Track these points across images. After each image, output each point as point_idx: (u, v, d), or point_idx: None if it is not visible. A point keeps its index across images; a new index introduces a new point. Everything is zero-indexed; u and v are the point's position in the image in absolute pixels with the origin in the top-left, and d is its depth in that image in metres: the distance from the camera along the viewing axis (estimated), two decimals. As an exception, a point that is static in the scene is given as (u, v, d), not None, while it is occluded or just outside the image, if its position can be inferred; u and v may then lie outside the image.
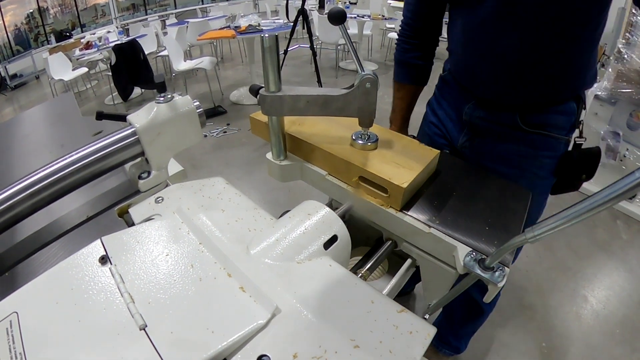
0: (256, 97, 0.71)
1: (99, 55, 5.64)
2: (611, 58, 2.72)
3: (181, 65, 4.73)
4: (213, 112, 4.45)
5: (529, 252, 2.32)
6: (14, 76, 9.20)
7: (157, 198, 0.63)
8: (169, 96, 0.67)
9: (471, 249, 0.58)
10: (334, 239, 0.54)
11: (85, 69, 5.88)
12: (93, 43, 5.85)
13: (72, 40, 8.91)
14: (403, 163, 0.68)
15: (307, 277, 0.46)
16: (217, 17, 7.40)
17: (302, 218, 0.55)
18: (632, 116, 2.63)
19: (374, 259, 0.69)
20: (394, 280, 0.70)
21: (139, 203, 0.63)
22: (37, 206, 0.56)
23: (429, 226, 0.61)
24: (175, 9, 12.92)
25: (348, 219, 0.70)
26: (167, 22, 8.89)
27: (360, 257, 0.72)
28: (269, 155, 0.81)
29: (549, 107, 0.92)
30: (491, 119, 1.00)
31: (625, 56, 2.52)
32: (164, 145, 0.67)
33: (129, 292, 0.40)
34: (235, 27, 4.47)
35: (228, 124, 4.14)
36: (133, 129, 0.63)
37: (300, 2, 2.99)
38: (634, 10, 2.61)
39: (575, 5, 0.75)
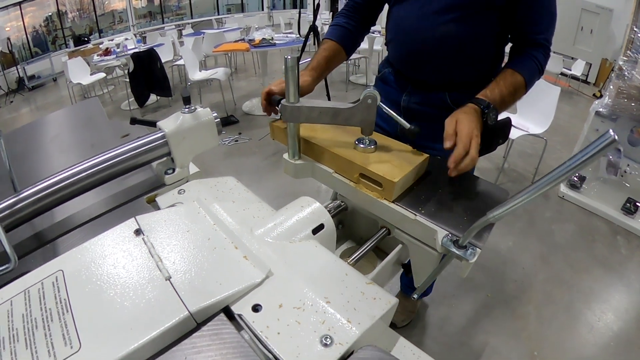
0: (277, 107, 0.87)
1: (117, 62, 5.84)
2: (612, 75, 2.81)
3: (196, 75, 4.93)
4: (225, 122, 4.62)
5: (525, 264, 2.38)
6: (32, 77, 9.46)
7: (180, 190, 0.77)
8: (193, 108, 0.82)
9: (448, 232, 0.70)
10: (321, 227, 0.67)
11: (103, 75, 6.11)
12: (112, 50, 6.06)
13: (90, 45, 9.17)
14: (396, 163, 0.81)
15: (296, 254, 0.59)
16: (233, 29, 7.62)
17: (296, 209, 0.69)
18: (633, 132, 2.70)
19: (370, 244, 0.82)
20: (383, 263, 0.83)
21: (165, 194, 0.77)
22: (81, 191, 0.70)
23: (415, 214, 0.74)
24: (192, 18, 13.16)
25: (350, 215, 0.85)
26: (184, 32, 9.11)
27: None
28: (286, 156, 0.95)
29: (470, 88, 1.09)
30: (425, 101, 1.21)
31: (626, 73, 2.61)
32: (187, 148, 0.82)
33: (158, 254, 0.53)
34: (250, 40, 4.67)
35: (240, 133, 4.31)
36: (162, 134, 0.78)
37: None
38: (634, 28, 2.69)
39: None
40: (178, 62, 5.95)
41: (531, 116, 3.29)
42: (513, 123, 2.92)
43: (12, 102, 8.64)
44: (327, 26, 1.34)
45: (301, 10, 3.35)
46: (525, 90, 1.06)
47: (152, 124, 0.80)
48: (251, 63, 7.73)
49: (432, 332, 1.92)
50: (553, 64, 6.16)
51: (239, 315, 0.47)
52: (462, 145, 0.81)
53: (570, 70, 6.39)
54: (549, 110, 3.13)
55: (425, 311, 2.01)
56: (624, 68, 2.62)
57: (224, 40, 5.93)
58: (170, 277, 0.49)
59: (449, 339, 1.89)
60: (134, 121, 0.88)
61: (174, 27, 10.91)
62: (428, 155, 0.87)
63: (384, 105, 0.85)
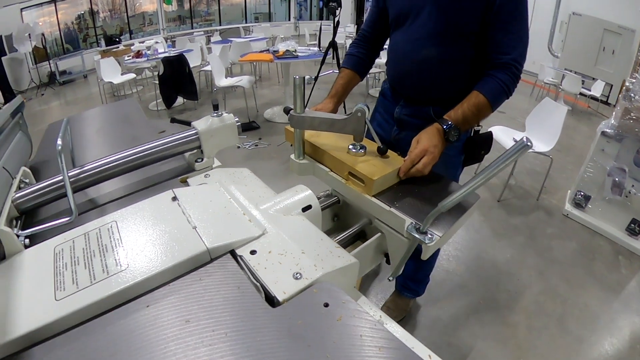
0: (287, 114, 1.12)
1: (148, 64, 6.20)
2: (620, 96, 2.90)
3: (222, 81, 5.25)
4: (247, 127, 4.92)
5: (521, 276, 2.50)
6: (63, 72, 9.96)
7: (206, 174, 1.02)
8: (220, 113, 1.07)
9: (413, 221, 0.90)
10: (309, 207, 0.89)
11: (133, 75, 6.47)
12: (143, 52, 6.42)
13: (121, 46, 9.57)
14: (379, 166, 1.03)
15: (287, 222, 0.81)
16: (259, 39, 7.95)
17: (292, 193, 0.91)
18: (639, 153, 2.78)
19: (353, 229, 1.03)
20: (362, 245, 1.03)
21: (194, 176, 1.02)
22: (130, 169, 0.95)
23: (390, 207, 0.94)
24: (220, 25, 13.52)
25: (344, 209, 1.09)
26: (212, 39, 9.48)
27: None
28: (292, 156, 1.19)
29: (450, 103, 1.30)
30: (414, 114, 1.47)
31: (632, 94, 2.70)
32: (214, 143, 1.07)
33: (188, 213, 0.76)
34: (274, 51, 4.96)
35: (260, 139, 4.59)
36: (196, 131, 1.03)
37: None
38: None
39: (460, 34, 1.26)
40: (205, 68, 6.28)
41: (538, 134, 3.42)
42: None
43: (43, 94, 9.13)
44: (351, 39, 1.63)
45: (325, 22, 3.61)
46: (491, 108, 1.25)
47: (188, 124, 1.05)
48: (275, 72, 8.08)
49: (422, 331, 2.08)
50: (571, 84, 6.26)
51: (240, 256, 0.68)
52: (409, 160, 1.06)
53: (590, 90, 6.48)
54: (555, 130, 3.27)
55: (417, 311, 2.18)
56: (631, 89, 2.72)
57: (250, 49, 6.26)
58: (196, 227, 0.71)
59: (437, 338, 2.04)
60: (173, 120, 1.13)
61: (202, 33, 11.30)
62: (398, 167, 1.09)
63: (369, 123, 1.07)
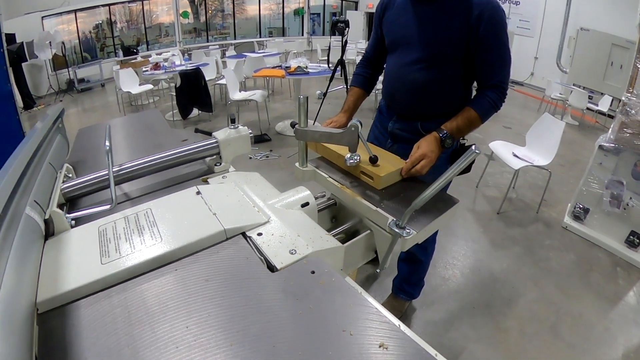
0: (293, 128, 1.32)
1: (165, 76, 6.49)
2: (617, 110, 3.00)
3: (236, 95, 5.51)
4: (259, 139, 5.16)
5: (516, 284, 2.60)
6: (82, 80, 10.33)
7: (223, 176, 1.22)
8: (236, 126, 1.27)
9: (394, 219, 1.08)
10: (307, 204, 1.08)
11: (150, 86, 6.77)
12: (161, 65, 6.72)
13: (139, 58, 9.88)
14: (385, 166, 1.27)
15: (288, 214, 1.00)
16: (272, 54, 8.22)
17: (294, 193, 1.10)
18: (637, 166, 2.86)
19: (345, 226, 1.22)
20: (352, 240, 1.21)
21: (214, 177, 1.22)
22: (160, 169, 1.15)
23: (376, 207, 1.13)
24: (235, 38, 13.79)
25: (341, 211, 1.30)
26: (227, 53, 9.75)
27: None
28: (297, 164, 1.40)
29: (438, 119, 1.54)
30: (404, 128, 1.69)
31: (628, 108, 2.81)
32: (231, 150, 1.27)
33: (209, 203, 0.95)
34: (286, 67, 5.22)
35: (271, 150, 4.82)
36: (216, 140, 1.24)
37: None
38: (638, 64, 2.93)
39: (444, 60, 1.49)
40: (220, 81, 6.55)
41: (537, 149, 3.56)
42: (519, 155, 3.24)
43: (61, 100, 9.50)
44: (362, 55, 1.91)
45: (336, 39, 3.82)
46: (481, 121, 1.50)
47: (209, 134, 1.26)
48: (287, 87, 8.37)
49: (415, 330, 2.13)
50: (578, 100, 6.36)
51: (249, 237, 0.87)
52: (410, 162, 1.33)
53: (597, 105, 6.58)
54: (553, 144, 3.39)
55: (412, 313, 2.32)
56: (627, 103, 2.83)
57: (263, 64, 6.52)
58: (215, 214, 0.90)
59: (429, 338, 2.09)
60: (197, 130, 1.35)
61: (217, 46, 11.59)
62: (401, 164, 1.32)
63: (362, 136, 1.27)
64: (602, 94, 6.97)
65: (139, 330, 0.63)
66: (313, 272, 0.75)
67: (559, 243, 3.15)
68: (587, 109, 6.60)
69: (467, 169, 1.69)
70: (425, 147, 1.38)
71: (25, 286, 0.67)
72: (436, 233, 2.03)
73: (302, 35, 14.73)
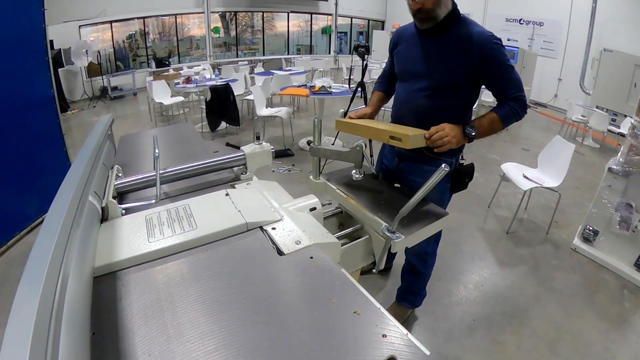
0: (309, 145, 1.58)
1: (196, 89, 6.86)
2: (627, 133, 3.03)
3: (263, 111, 5.85)
4: (282, 153, 5.40)
5: (518, 300, 2.66)
6: (115, 88, 10.85)
7: (247, 183, 1.46)
8: (261, 142, 1.52)
9: (387, 225, 1.31)
10: (314, 208, 1.32)
11: (181, 98, 7.16)
12: (193, 79, 7.11)
13: (171, 70, 10.31)
14: (410, 130, 1.52)
15: (299, 216, 1.23)
16: (299, 73, 8.53)
17: (305, 199, 1.34)
18: None
19: (349, 230, 1.46)
20: (352, 243, 1.43)
21: (240, 183, 1.46)
22: (197, 174, 1.41)
23: (374, 215, 1.37)
24: (263, 54, 14.07)
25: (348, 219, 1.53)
26: (256, 70, 10.11)
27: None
28: (311, 176, 1.67)
29: None
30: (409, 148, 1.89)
31: (637, 132, 2.86)
32: (255, 162, 1.52)
33: (235, 203, 1.20)
34: (311, 86, 5.51)
35: (293, 165, 5.07)
36: (243, 153, 1.49)
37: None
38: None
39: (446, 89, 1.70)
40: (248, 97, 6.87)
41: (548, 171, 3.64)
42: (529, 176, 3.35)
43: (94, 106, 10.03)
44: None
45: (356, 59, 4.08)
46: (502, 124, 1.69)
47: (238, 148, 1.52)
48: (312, 105, 8.65)
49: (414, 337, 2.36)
50: (599, 122, 6.31)
51: (265, 230, 1.11)
52: (434, 128, 1.55)
53: (619, 128, 6.47)
54: (563, 166, 3.46)
55: (414, 321, 2.47)
56: (637, 126, 2.88)
57: (290, 82, 6.85)
58: (240, 210, 1.15)
59: (427, 345, 2.17)
60: (228, 144, 1.61)
61: (246, 62, 11.93)
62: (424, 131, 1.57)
63: (366, 154, 1.50)
64: (625, 115, 6.84)
65: (175, 289, 0.87)
66: (311, 258, 0.98)
67: (566, 264, 3.17)
68: (609, 131, 6.46)
69: (463, 186, 1.93)
70: (449, 128, 1.57)
71: (89, 255, 0.92)
72: (436, 247, 2.23)
73: (329, 53, 14.98)
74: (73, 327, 0.60)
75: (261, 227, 1.12)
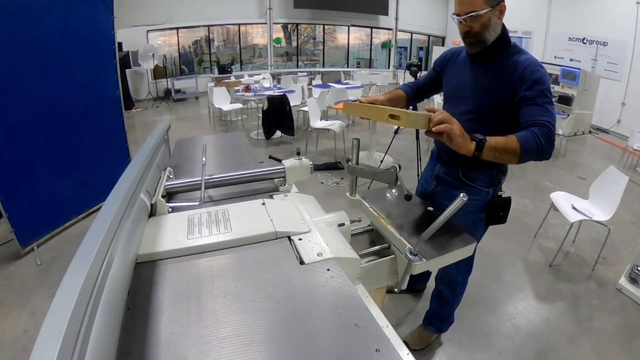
0: (347, 163, 1.68)
1: (255, 98, 7.18)
2: None
3: (317, 123, 6.05)
4: (333, 166, 5.58)
5: (551, 337, 2.60)
6: (178, 91, 11.59)
7: (285, 195, 1.58)
8: (301, 157, 1.64)
9: (411, 246, 1.38)
10: (342, 224, 1.41)
11: (240, 105, 7.52)
12: (252, 88, 7.44)
13: (232, 78, 10.80)
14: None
15: (326, 230, 1.33)
16: (356, 87, 8.66)
17: (335, 215, 1.44)
18: None
19: (376, 248, 1.56)
20: (378, 260, 1.51)
21: (278, 195, 1.58)
22: (240, 182, 1.55)
23: (400, 235, 1.45)
24: (323, 66, 14.38)
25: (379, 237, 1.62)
26: (314, 82, 10.36)
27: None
28: (347, 193, 1.78)
29: (477, 168, 1.80)
30: (447, 172, 1.95)
31: None
32: (294, 176, 1.64)
33: (270, 213, 1.32)
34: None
35: (342, 178, 5.22)
36: (284, 167, 1.61)
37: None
38: None
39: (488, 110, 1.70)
40: (304, 108, 7.10)
41: (599, 203, 3.50)
42: (579, 208, 3.24)
43: (158, 107, 10.73)
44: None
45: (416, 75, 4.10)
46: (520, 148, 1.46)
47: (279, 161, 1.65)
48: (366, 120, 8.70)
49: None
50: None
51: (292, 240, 1.21)
52: (439, 112, 1.37)
53: None
54: (615, 199, 3.32)
55: (438, 347, 2.49)
56: None
57: (346, 96, 6.99)
58: (272, 220, 1.27)
59: None
60: (271, 157, 1.75)
61: (305, 74, 12.24)
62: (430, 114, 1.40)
63: (400, 176, 1.57)
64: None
65: (203, 282, 1.01)
66: (328, 270, 1.08)
67: (608, 304, 3.01)
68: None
69: (500, 219, 1.93)
70: (457, 123, 1.40)
71: (134, 244, 1.08)
72: (466, 277, 2.26)
73: (389, 68, 15.00)
74: (111, 301, 0.75)
75: (289, 237, 1.23)
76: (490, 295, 3.05)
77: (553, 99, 1.63)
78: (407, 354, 0.91)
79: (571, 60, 10.06)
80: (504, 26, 1.70)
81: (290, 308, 0.92)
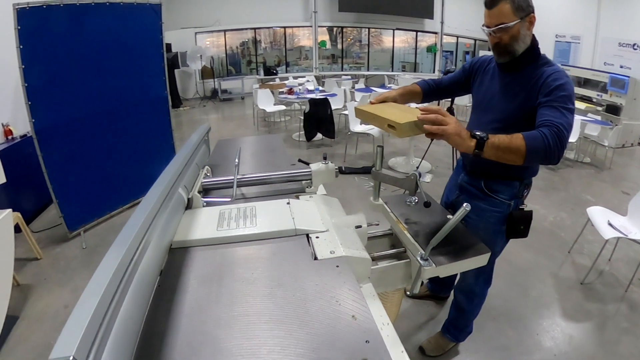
0: (372, 168, 1.79)
1: (297, 101, 7.39)
2: None
3: (356, 127, 6.18)
4: (369, 170, 5.63)
5: (573, 359, 2.54)
6: (224, 91, 12.11)
7: (310, 195, 1.70)
8: (327, 162, 1.75)
9: (423, 252, 1.48)
10: (360, 226, 1.53)
11: (283, 107, 7.75)
12: (295, 91, 7.64)
13: (277, 80, 11.08)
14: (408, 118, 1.46)
15: (344, 230, 1.44)
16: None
17: (354, 217, 1.55)
18: None
19: (391, 251, 1.66)
20: (392, 262, 1.62)
21: (303, 196, 1.70)
22: (270, 182, 1.71)
23: (414, 240, 1.55)
24: (368, 70, 14.38)
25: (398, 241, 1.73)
26: (357, 85, 10.44)
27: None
28: (371, 198, 1.90)
29: (500, 180, 1.83)
30: (470, 182, 2.00)
31: None
32: (320, 179, 1.76)
33: (293, 212, 1.45)
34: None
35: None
36: (310, 170, 1.74)
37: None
38: None
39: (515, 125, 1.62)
40: (345, 112, 7.22)
41: (638, 220, 3.39)
42: (615, 224, 3.15)
43: (204, 106, 11.21)
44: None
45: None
46: (524, 143, 1.42)
47: (307, 164, 1.79)
48: (409, 124, 8.73)
49: None
50: None
51: (309, 237, 1.33)
52: (431, 111, 1.42)
53: None
54: None
55: (453, 355, 2.52)
56: None
57: (387, 100, 7.02)
58: (294, 218, 1.40)
59: None
60: (300, 160, 1.88)
61: (349, 77, 12.27)
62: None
63: (420, 184, 1.65)
64: None
65: (225, 268, 1.17)
66: (337, 266, 1.20)
67: (638, 329, 2.85)
68: None
69: (520, 233, 1.96)
70: (453, 119, 1.41)
71: (170, 232, 1.26)
72: (485, 289, 2.28)
73: (434, 72, 14.71)
74: (143, 278, 0.92)
75: (307, 235, 1.36)
76: (514, 308, 3.01)
77: (573, 107, 1.56)
78: (402, 352, 1.01)
79: (621, 67, 9.52)
80: (534, 37, 1.71)
81: (297, 296, 1.04)
